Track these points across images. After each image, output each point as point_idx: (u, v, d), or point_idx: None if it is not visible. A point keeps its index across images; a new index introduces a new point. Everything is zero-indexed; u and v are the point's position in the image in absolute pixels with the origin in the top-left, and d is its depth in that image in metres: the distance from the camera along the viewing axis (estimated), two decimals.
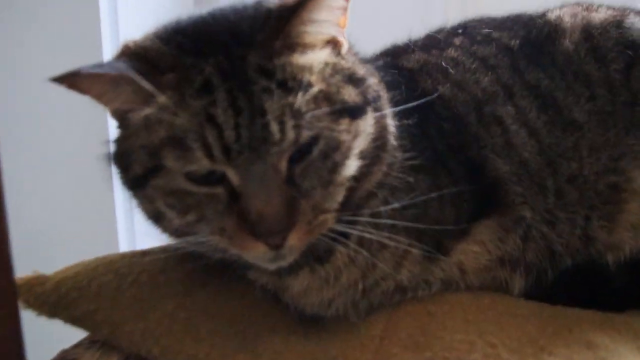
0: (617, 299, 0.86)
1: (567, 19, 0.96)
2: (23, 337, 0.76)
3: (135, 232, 1.41)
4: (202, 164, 0.67)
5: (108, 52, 1.32)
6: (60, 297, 0.82)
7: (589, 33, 0.93)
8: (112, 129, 1.12)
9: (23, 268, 0.80)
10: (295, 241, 0.70)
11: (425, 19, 1.11)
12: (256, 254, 0.70)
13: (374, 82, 0.78)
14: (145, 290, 0.82)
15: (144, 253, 0.90)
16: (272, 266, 0.75)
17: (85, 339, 0.86)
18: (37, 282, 0.85)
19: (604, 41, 0.92)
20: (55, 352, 0.86)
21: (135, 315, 0.80)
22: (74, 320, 0.82)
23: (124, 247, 1.36)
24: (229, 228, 0.70)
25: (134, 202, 0.80)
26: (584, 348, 0.73)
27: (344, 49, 0.77)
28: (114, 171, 0.79)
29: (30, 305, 0.83)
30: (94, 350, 0.82)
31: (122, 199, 1.21)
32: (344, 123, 0.71)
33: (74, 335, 0.87)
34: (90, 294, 0.82)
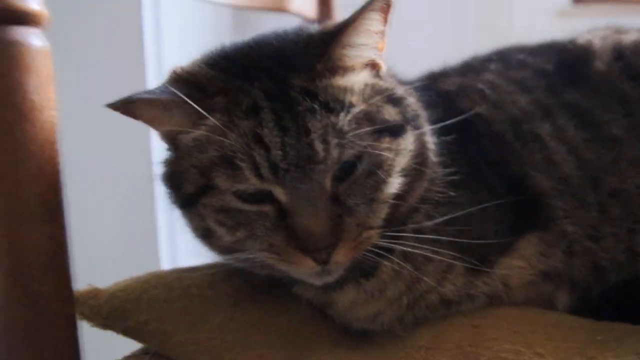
0: None
1: (597, 42, 1.01)
2: (80, 347, 0.81)
3: (178, 251, 1.45)
4: (250, 182, 0.72)
5: (151, 77, 1.40)
6: (113, 309, 0.86)
7: (621, 53, 0.98)
8: (155, 151, 1.19)
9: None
10: (341, 257, 0.74)
11: (456, 48, 1.16)
12: (303, 269, 0.75)
13: (412, 101, 0.83)
14: (195, 303, 0.85)
15: (192, 269, 0.94)
16: (318, 282, 0.79)
17: (138, 351, 0.89)
18: (91, 295, 0.89)
19: (637, 59, 0.96)
20: None
21: (186, 326, 0.83)
22: (127, 331, 0.86)
23: (166, 266, 1.41)
24: (277, 244, 0.74)
25: (181, 221, 0.85)
26: (636, 358, 0.73)
27: (383, 70, 0.82)
28: (163, 191, 0.84)
29: (85, 316, 0.87)
30: (147, 359, 0.85)
31: (165, 219, 1.26)
32: (386, 141, 0.75)
33: (128, 346, 0.91)
34: (142, 306, 0.86)
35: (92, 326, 0.88)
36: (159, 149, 1.27)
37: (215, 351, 0.80)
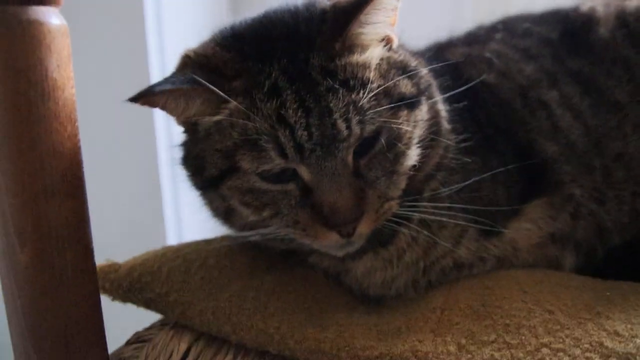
0: None
1: (600, 9, 1.04)
2: (103, 318, 0.85)
3: (183, 230, 1.49)
4: (275, 162, 0.75)
5: (154, 58, 1.42)
6: (133, 281, 0.91)
7: (624, 20, 1.01)
8: (160, 131, 1.21)
9: None
10: (364, 229, 0.78)
11: (456, 19, 1.19)
12: (329, 242, 0.79)
13: (425, 72, 0.86)
14: (214, 273, 0.90)
15: (207, 241, 0.98)
16: (341, 253, 0.83)
17: (157, 322, 0.93)
18: (110, 269, 0.93)
19: None
20: (129, 335, 0.93)
21: (206, 295, 0.87)
22: (147, 302, 0.90)
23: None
24: (302, 220, 0.78)
25: (201, 201, 0.88)
26: None
27: (395, 44, 0.85)
28: (183, 174, 0.87)
29: (105, 290, 0.92)
30: (167, 330, 0.89)
31: (170, 199, 1.29)
32: (403, 115, 0.79)
33: (146, 320, 0.95)
34: (161, 277, 0.90)
35: (113, 300, 0.93)
36: (163, 130, 1.30)
37: (236, 318, 0.84)
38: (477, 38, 1.09)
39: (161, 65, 1.41)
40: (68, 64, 0.77)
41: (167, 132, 1.35)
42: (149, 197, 1.37)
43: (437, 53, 1.04)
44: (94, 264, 0.83)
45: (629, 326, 0.74)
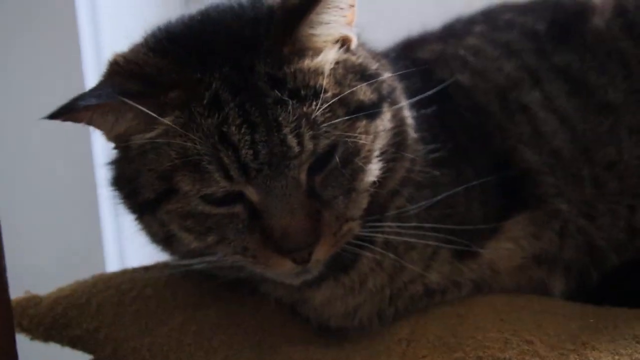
0: None
1: None
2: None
3: (126, 256, 1.51)
4: (220, 185, 0.76)
5: (88, 51, 1.44)
6: (57, 317, 0.92)
7: (623, 8, 1.05)
8: (97, 144, 1.23)
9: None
10: (321, 254, 0.80)
11: (446, 9, 1.23)
12: (282, 270, 0.81)
13: (387, 75, 0.88)
14: (151, 305, 0.92)
15: (146, 268, 1.00)
16: (297, 281, 0.86)
17: None
18: (30, 303, 0.94)
19: None
20: None
21: (141, 330, 0.89)
22: (73, 340, 0.92)
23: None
24: (251, 247, 0.80)
25: (138, 226, 0.90)
26: (632, 342, 0.80)
27: (354, 44, 0.87)
28: (112, 196, 0.88)
29: (23, 328, 0.92)
30: None
31: (110, 221, 1.31)
32: (362, 126, 0.81)
33: None
34: (91, 311, 0.92)
35: (32, 339, 0.93)
36: (100, 144, 1.32)
37: (175, 355, 0.86)
38: (453, 32, 1.12)
39: (97, 64, 1.43)
40: None
41: (105, 144, 1.38)
42: (86, 219, 1.39)
43: (406, 51, 1.08)
44: (8, 297, 0.84)
45: (616, 357, 0.78)
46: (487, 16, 1.15)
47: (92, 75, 1.41)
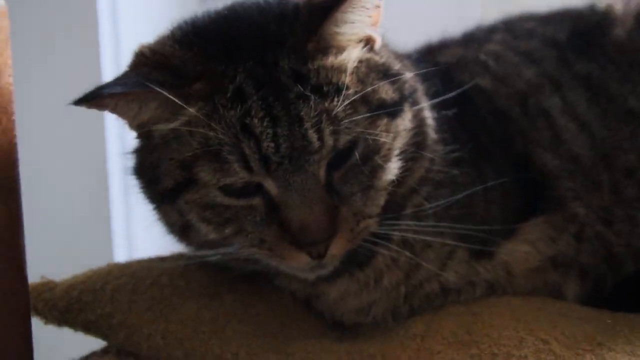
0: None
1: (618, 7, 1.09)
2: (32, 344, 0.87)
3: (133, 248, 1.52)
4: (239, 176, 0.77)
5: (106, 48, 1.46)
6: (72, 301, 0.93)
7: None
8: (111, 135, 1.24)
9: None
10: (337, 249, 0.80)
11: (462, 18, 1.25)
12: (297, 264, 0.81)
13: (409, 76, 0.89)
14: (166, 292, 0.92)
15: (162, 259, 1.01)
16: (312, 276, 0.86)
17: (98, 350, 0.95)
18: (45, 287, 0.95)
19: None
20: None
21: (156, 317, 0.89)
22: (87, 325, 0.92)
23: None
24: (268, 239, 0.80)
25: (156, 215, 0.90)
26: None
27: (378, 44, 0.88)
28: (135, 184, 0.89)
29: (38, 312, 0.93)
30: (110, 357, 0.92)
31: (120, 213, 1.32)
32: (383, 124, 0.81)
33: (85, 348, 0.98)
34: (105, 297, 0.92)
35: (46, 323, 0.94)
36: (114, 134, 1.34)
37: (189, 344, 0.87)
38: (473, 39, 1.13)
39: (115, 59, 1.45)
40: (5, 48, 0.80)
41: (119, 135, 1.38)
42: (96, 210, 1.40)
43: (426, 55, 1.08)
44: (25, 275, 0.85)
45: (633, 359, 0.78)
46: (508, 25, 1.16)
47: (109, 73, 1.43)
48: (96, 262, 1.03)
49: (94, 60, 1.41)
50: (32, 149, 1.45)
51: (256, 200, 0.80)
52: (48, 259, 1.36)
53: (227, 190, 0.79)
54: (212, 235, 0.84)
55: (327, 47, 0.81)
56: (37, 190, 1.40)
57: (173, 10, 1.76)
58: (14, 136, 0.83)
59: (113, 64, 1.45)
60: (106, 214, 1.39)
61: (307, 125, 0.76)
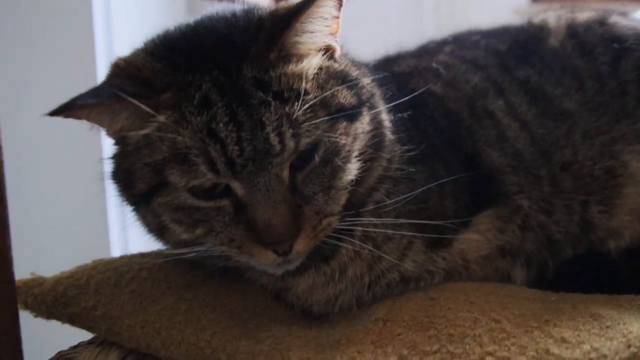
0: (620, 287, 0.90)
1: (551, 21, 1.07)
2: (20, 335, 0.81)
3: (129, 244, 1.46)
4: (206, 177, 0.73)
5: (102, 64, 1.41)
6: (58, 295, 0.86)
7: (574, 30, 1.03)
8: (107, 143, 1.17)
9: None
10: (301, 246, 0.76)
11: (417, 31, 1.21)
12: (265, 261, 0.77)
13: (367, 81, 0.86)
14: (146, 286, 0.86)
15: (143, 255, 0.95)
16: (279, 271, 0.82)
17: (84, 341, 0.89)
18: (34, 283, 0.89)
19: (589, 37, 1.02)
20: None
21: (135, 309, 0.83)
22: (72, 317, 0.86)
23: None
24: (237, 238, 0.76)
25: (134, 217, 0.86)
26: (590, 319, 0.76)
27: (337, 53, 0.84)
28: (112, 188, 0.84)
29: (28, 306, 0.87)
30: (93, 348, 0.85)
31: (115, 212, 1.25)
32: (342, 127, 0.78)
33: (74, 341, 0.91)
34: (89, 290, 0.86)
35: (36, 316, 0.88)
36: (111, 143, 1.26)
37: (166, 332, 0.80)
38: (426, 51, 1.10)
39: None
40: None
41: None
42: (93, 208, 1.34)
43: (384, 65, 1.05)
44: (12, 272, 0.80)
45: (576, 332, 0.73)
46: (456, 38, 1.13)
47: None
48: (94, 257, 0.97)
49: (90, 64, 1.36)
50: (32, 151, 1.39)
51: (224, 202, 0.76)
52: (48, 256, 1.30)
53: (196, 192, 0.75)
54: (185, 236, 0.79)
55: (288, 55, 0.77)
56: (37, 192, 1.35)
57: (163, 16, 1.71)
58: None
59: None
60: (103, 215, 1.34)
61: (269, 129, 0.72)
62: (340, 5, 0.80)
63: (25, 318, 0.85)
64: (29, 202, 1.09)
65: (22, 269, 0.89)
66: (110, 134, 0.81)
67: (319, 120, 0.74)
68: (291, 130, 0.73)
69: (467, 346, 0.73)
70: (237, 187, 0.74)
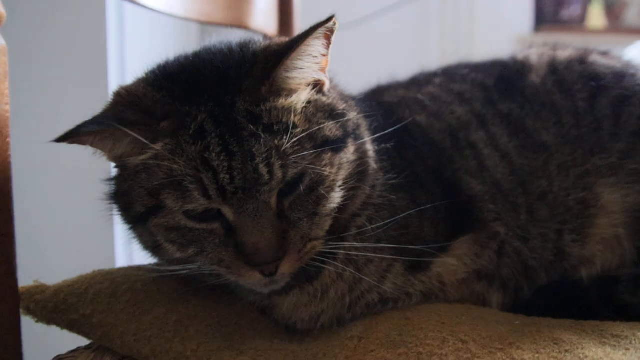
0: (590, 312, 0.93)
1: (534, 58, 1.11)
2: (21, 338, 0.85)
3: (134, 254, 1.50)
4: (199, 202, 0.77)
5: (113, 78, 1.46)
6: (59, 302, 0.91)
7: (555, 67, 1.07)
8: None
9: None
10: (287, 268, 0.80)
11: (424, 59, 1.25)
12: (252, 280, 0.81)
13: (353, 114, 0.89)
14: (140, 297, 0.91)
15: (139, 268, 0.99)
16: (266, 290, 0.86)
17: (80, 347, 0.93)
18: (37, 290, 0.94)
19: (569, 75, 1.05)
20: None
21: (129, 318, 0.88)
22: (71, 324, 0.90)
23: None
24: (226, 259, 0.80)
25: (131, 235, 0.90)
26: (551, 343, 0.79)
27: (327, 87, 0.88)
28: (112, 208, 0.89)
29: (30, 311, 0.92)
30: (89, 353, 0.89)
31: (121, 225, 1.30)
32: (327, 158, 0.81)
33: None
34: (87, 299, 0.90)
35: (37, 321, 0.93)
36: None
37: (156, 341, 0.85)
38: (416, 82, 1.14)
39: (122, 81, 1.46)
40: (3, 80, 0.81)
41: None
42: (100, 220, 1.39)
43: (374, 94, 1.09)
44: (15, 279, 0.84)
45: (536, 355, 0.77)
46: (446, 71, 1.17)
47: None
48: (100, 265, 1.02)
49: (102, 88, 1.41)
50: (40, 162, 1.44)
51: (215, 225, 0.80)
52: (56, 265, 1.35)
53: (190, 215, 0.79)
54: (178, 255, 0.84)
55: (278, 89, 0.81)
56: (44, 204, 1.40)
57: (176, 39, 1.76)
58: (9, 155, 0.83)
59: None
60: (110, 227, 1.38)
61: (258, 160, 0.76)
62: (329, 43, 0.83)
63: (27, 323, 0.90)
64: (36, 213, 1.13)
65: (29, 278, 0.94)
66: (112, 159, 0.84)
67: (305, 152, 0.78)
68: (279, 162, 0.76)
69: None
70: (228, 212, 0.78)
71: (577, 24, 2.48)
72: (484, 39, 2.15)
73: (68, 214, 1.44)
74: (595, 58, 1.08)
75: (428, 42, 2.22)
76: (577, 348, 0.78)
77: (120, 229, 1.17)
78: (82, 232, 1.42)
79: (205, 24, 1.39)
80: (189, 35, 1.70)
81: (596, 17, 2.55)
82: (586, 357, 0.75)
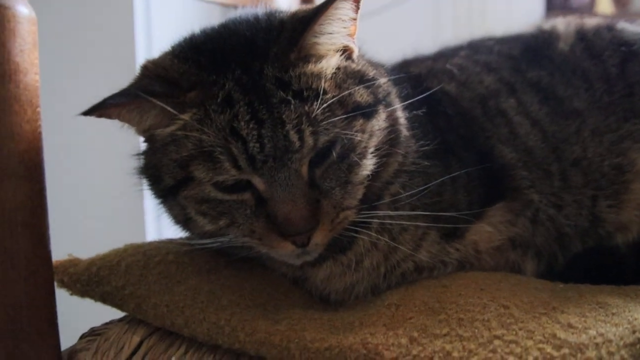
0: (627, 279, 0.87)
1: (561, 27, 1.05)
2: (56, 309, 0.81)
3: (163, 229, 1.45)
4: (230, 174, 0.72)
5: (141, 52, 1.42)
6: (92, 275, 0.86)
7: (583, 35, 1.01)
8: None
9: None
10: (319, 239, 0.75)
11: (436, 42, 1.20)
12: (284, 251, 0.76)
13: (383, 80, 0.84)
14: (172, 268, 0.86)
15: (170, 241, 0.94)
16: (298, 262, 0.80)
17: (115, 319, 0.89)
18: (70, 264, 0.89)
19: (598, 41, 1.00)
20: None
21: (161, 289, 0.83)
22: (104, 296, 0.85)
23: None
24: (258, 230, 0.75)
25: (162, 209, 0.86)
26: (596, 307, 0.73)
27: (355, 54, 0.83)
28: (142, 182, 0.85)
29: (64, 284, 0.87)
30: (122, 324, 0.85)
31: (151, 200, 1.26)
32: (358, 124, 0.76)
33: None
34: (120, 271, 0.86)
35: (71, 294, 0.88)
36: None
37: (189, 311, 0.79)
38: (442, 54, 1.09)
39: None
40: (33, 50, 0.76)
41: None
42: (130, 196, 1.36)
43: (401, 66, 1.04)
44: (49, 251, 0.80)
45: (582, 319, 0.71)
46: (471, 44, 1.12)
47: None
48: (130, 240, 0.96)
49: (130, 69, 1.38)
50: (73, 137, 1.40)
51: (246, 195, 0.75)
52: (89, 241, 1.30)
53: (220, 186, 0.74)
54: (209, 227, 0.79)
55: (307, 55, 0.76)
56: (79, 180, 1.35)
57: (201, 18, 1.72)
58: (39, 126, 0.78)
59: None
60: (140, 202, 1.33)
61: (289, 127, 0.71)
62: (358, 7, 0.78)
63: (61, 295, 0.86)
64: (67, 191, 1.08)
65: (62, 253, 0.90)
66: (140, 132, 0.80)
67: (336, 118, 0.73)
68: (310, 128, 0.72)
69: (476, 330, 0.70)
70: (258, 182, 0.74)
71: (587, 11, 2.43)
72: (496, 22, 2.10)
73: (98, 189, 1.40)
74: (623, 25, 1.02)
75: (441, 32, 2.17)
76: (625, 311, 0.72)
77: (151, 204, 1.12)
78: (112, 207, 1.38)
79: (227, 6, 1.34)
80: (211, 19, 1.66)
81: (605, 3, 2.50)
82: (636, 319, 0.69)
